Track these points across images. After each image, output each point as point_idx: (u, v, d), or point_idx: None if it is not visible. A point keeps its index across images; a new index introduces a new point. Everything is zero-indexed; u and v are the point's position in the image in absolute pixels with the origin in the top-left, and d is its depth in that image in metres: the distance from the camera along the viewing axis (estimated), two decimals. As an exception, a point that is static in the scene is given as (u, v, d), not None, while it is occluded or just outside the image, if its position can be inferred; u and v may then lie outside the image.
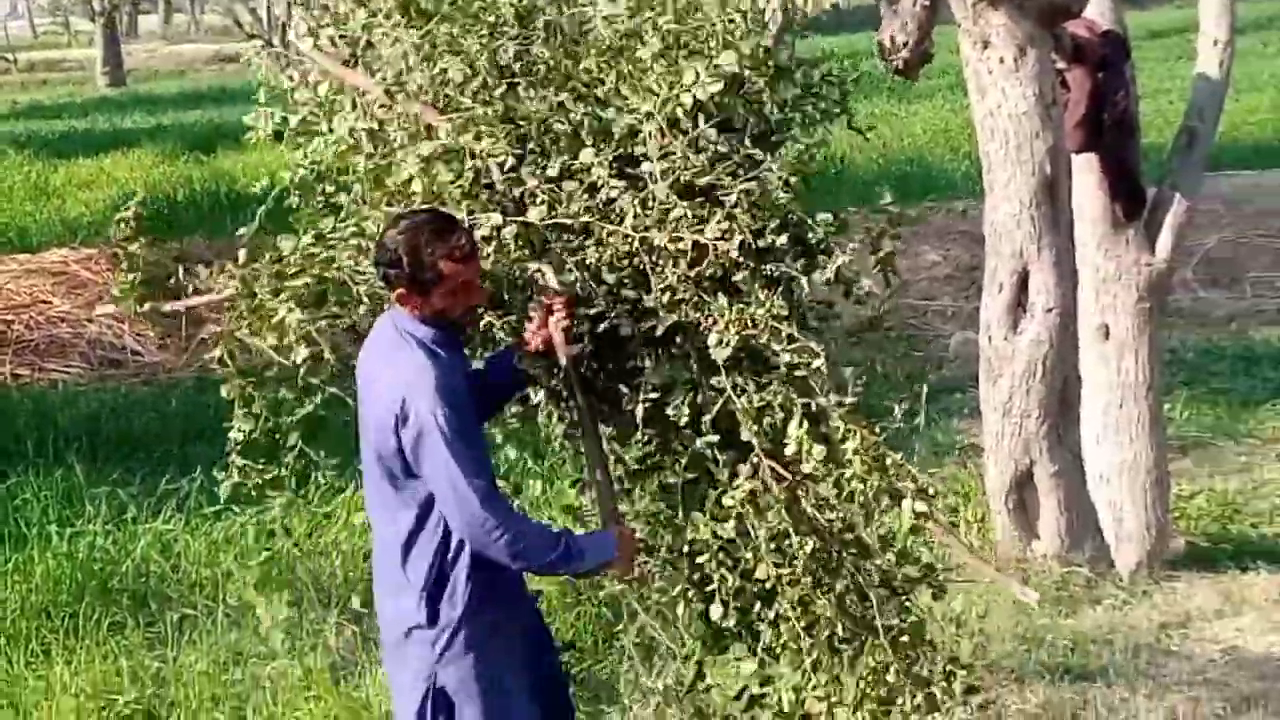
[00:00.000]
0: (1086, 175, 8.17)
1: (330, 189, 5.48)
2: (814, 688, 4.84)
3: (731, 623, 4.96)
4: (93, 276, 14.39)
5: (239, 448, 5.44)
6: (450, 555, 4.84)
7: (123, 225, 5.44)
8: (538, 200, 4.95)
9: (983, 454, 8.24)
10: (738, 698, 5.08)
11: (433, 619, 4.85)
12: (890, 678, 4.81)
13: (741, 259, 4.78)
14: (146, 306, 5.51)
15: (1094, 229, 8.21)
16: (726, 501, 4.83)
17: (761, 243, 4.82)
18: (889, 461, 4.71)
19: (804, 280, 4.93)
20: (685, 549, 5.02)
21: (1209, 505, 8.86)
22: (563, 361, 4.97)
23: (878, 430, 4.76)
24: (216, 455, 9.99)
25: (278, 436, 5.39)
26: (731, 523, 4.84)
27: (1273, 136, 20.45)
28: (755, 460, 4.81)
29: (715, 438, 4.85)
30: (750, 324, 4.76)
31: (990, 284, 7.78)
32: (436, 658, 4.86)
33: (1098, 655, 6.88)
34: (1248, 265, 14.30)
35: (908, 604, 4.90)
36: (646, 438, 5.09)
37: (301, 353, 5.16)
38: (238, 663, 7.34)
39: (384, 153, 5.26)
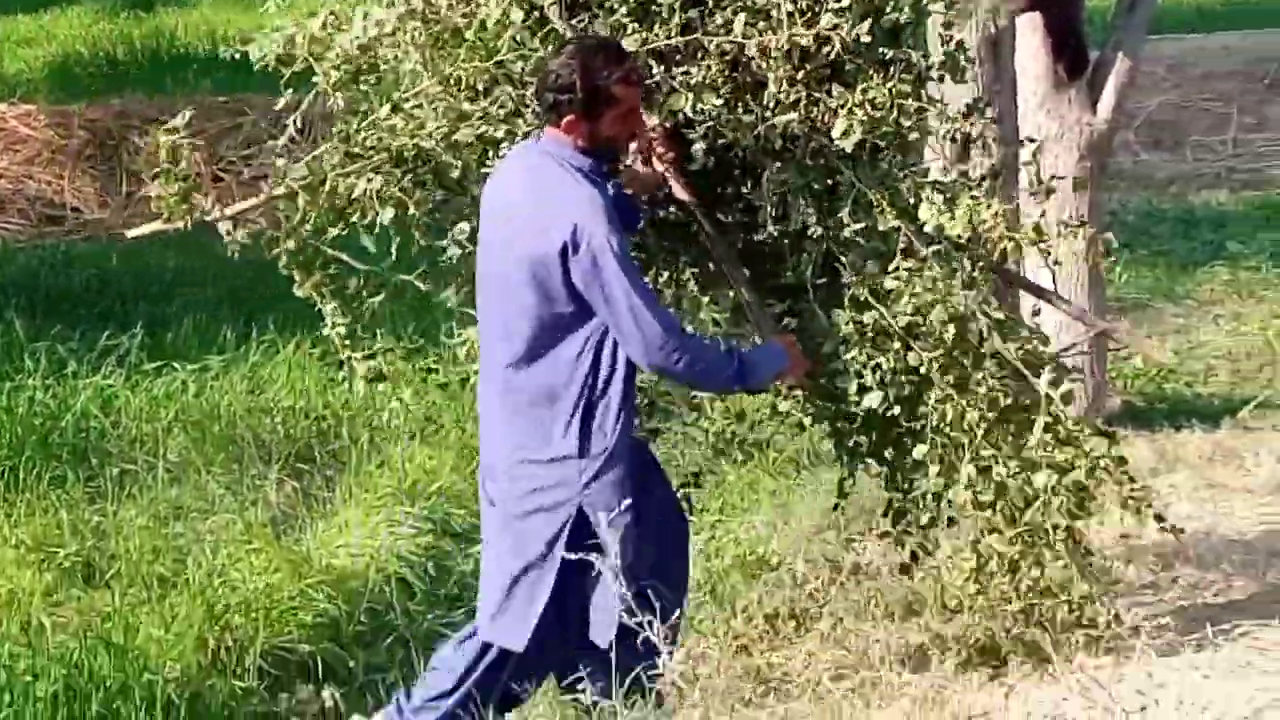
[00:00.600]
0: (1030, 35, 8.14)
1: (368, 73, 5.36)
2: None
3: (896, 410, 4.94)
4: (32, 133, 14.20)
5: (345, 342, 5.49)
6: (601, 385, 4.86)
7: (169, 138, 5.27)
8: (626, 30, 4.96)
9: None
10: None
11: (584, 449, 4.86)
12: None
13: (853, 46, 4.80)
14: (193, 216, 5.35)
15: (1036, 87, 8.19)
16: (889, 283, 4.84)
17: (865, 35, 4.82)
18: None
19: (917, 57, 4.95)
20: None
21: (1145, 365, 8.92)
22: (679, 194, 5.01)
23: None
24: (158, 312, 10.07)
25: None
26: (874, 312, 4.86)
27: (1216, 0, 20.39)
28: (903, 243, 4.86)
29: (860, 225, 4.88)
30: (873, 106, 4.79)
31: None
32: (584, 485, 4.87)
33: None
34: (1189, 129, 14.31)
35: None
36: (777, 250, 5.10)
37: (387, 213, 5.15)
38: (178, 517, 7.35)
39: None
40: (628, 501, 4.80)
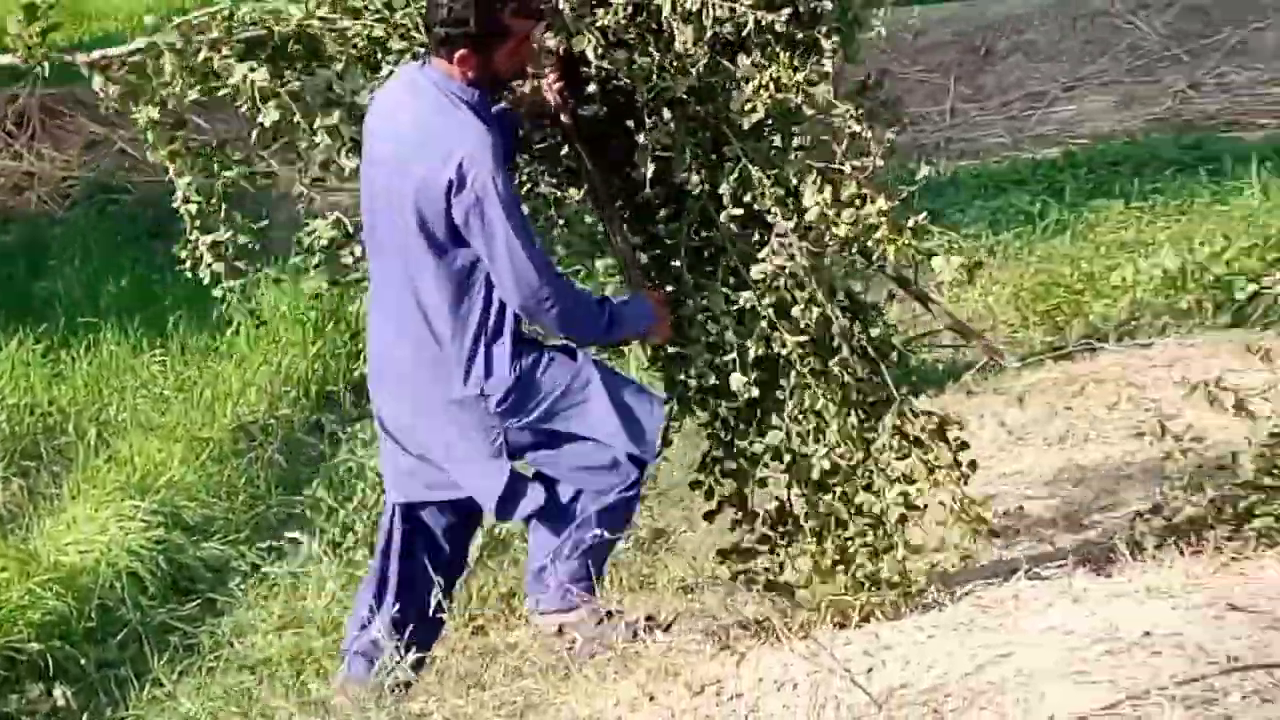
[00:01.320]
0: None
1: None
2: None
3: (756, 393, 4.94)
4: None
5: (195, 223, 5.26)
6: (494, 323, 4.85)
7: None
8: None
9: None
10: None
11: (482, 389, 4.86)
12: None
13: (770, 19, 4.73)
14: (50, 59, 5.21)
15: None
16: (754, 273, 4.82)
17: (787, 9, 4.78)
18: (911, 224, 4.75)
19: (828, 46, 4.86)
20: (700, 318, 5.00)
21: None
22: (565, 123, 4.99)
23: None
24: None
25: None
26: (749, 293, 4.85)
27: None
28: (781, 236, 4.81)
29: (739, 211, 4.84)
30: (777, 88, 4.74)
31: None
32: (498, 418, 4.88)
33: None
34: (905, 101, 14.57)
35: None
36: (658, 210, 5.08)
37: (271, 114, 5.00)
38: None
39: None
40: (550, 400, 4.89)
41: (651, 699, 4.49)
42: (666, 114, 4.87)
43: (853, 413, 4.94)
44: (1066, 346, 8.23)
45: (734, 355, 4.90)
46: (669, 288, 5.05)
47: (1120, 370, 7.75)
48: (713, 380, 4.98)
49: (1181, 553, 4.95)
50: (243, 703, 5.66)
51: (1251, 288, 8.62)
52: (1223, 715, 3.69)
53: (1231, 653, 3.96)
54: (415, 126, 4.82)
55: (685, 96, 4.84)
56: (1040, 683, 3.92)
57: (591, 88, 4.95)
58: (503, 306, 4.85)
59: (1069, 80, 14.53)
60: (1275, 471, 5.38)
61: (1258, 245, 9.21)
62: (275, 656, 6.37)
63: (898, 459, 4.92)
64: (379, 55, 5.09)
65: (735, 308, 4.91)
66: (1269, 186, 10.70)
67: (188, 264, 5.33)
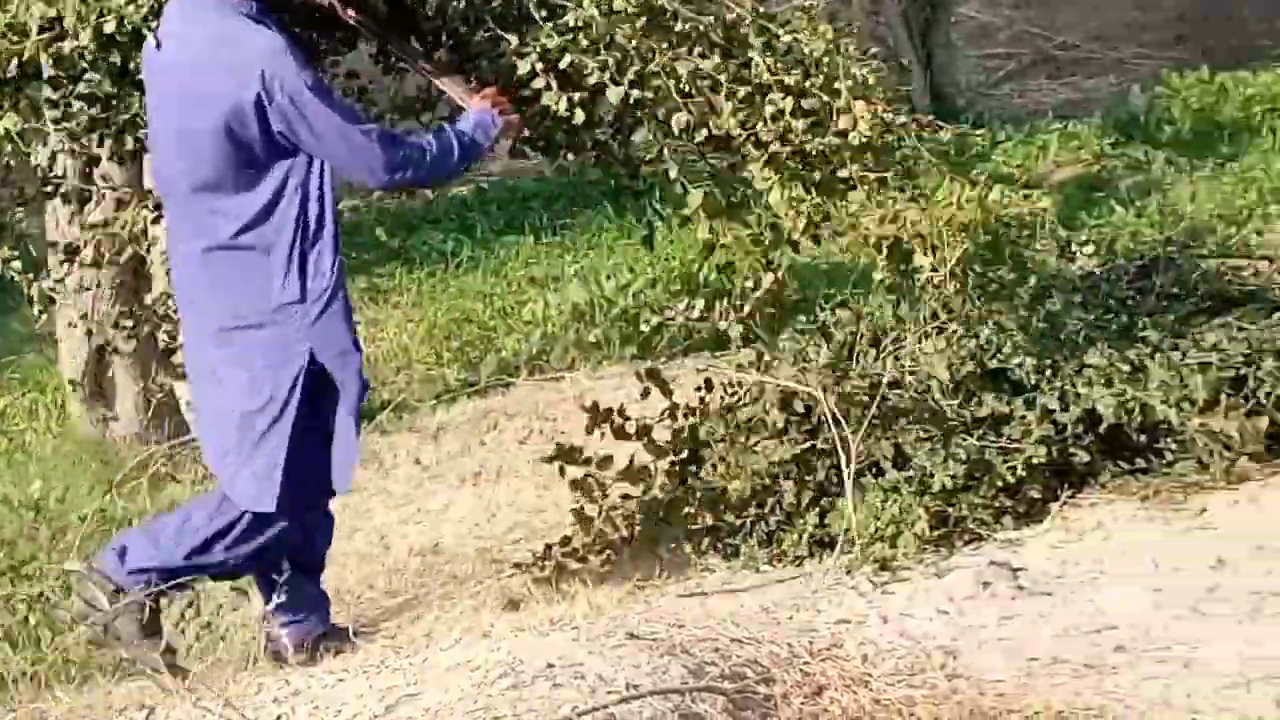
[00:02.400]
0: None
1: None
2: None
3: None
4: None
5: None
6: (314, 224, 4.76)
7: None
8: None
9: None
10: None
11: (304, 292, 4.77)
12: None
13: None
14: None
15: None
16: None
17: None
18: None
19: None
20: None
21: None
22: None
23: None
24: None
25: None
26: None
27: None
28: None
29: None
30: None
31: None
32: (310, 325, 4.79)
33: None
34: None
35: None
36: None
37: None
38: None
39: None
40: (356, 337, 4.84)
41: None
42: None
43: None
44: (480, 382, 8.38)
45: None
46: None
47: (533, 404, 7.93)
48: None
49: (586, 583, 5.10)
50: None
51: (655, 319, 8.96)
52: (621, 743, 3.82)
53: (631, 680, 4.08)
54: (205, 49, 4.78)
55: None
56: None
57: None
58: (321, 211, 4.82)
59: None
60: (680, 498, 5.63)
61: (660, 278, 9.58)
62: None
63: None
64: None
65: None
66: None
67: None
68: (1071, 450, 5.44)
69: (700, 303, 5.93)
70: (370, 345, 9.41)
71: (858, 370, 5.63)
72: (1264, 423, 5.31)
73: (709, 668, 4.21)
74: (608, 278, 9.71)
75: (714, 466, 5.64)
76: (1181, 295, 6.12)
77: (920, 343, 5.50)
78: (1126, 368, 5.37)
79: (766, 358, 5.76)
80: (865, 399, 5.49)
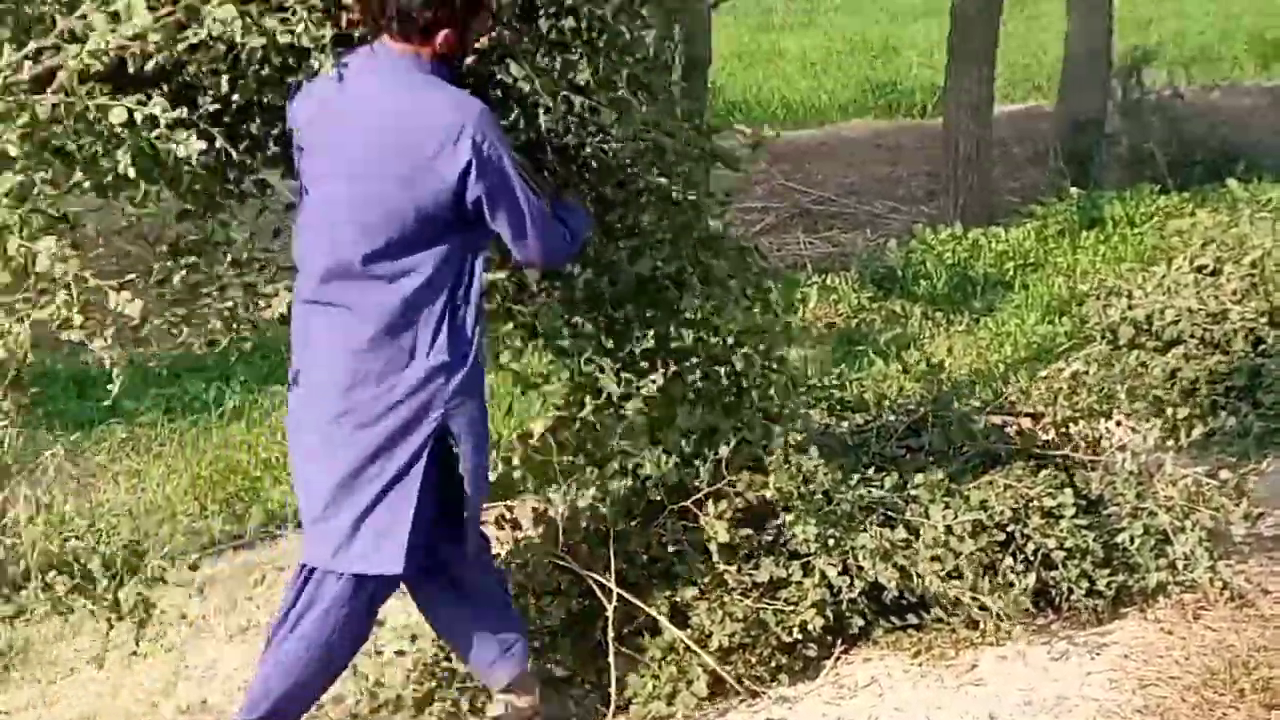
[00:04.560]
0: None
1: None
2: None
3: None
4: None
5: None
6: (463, 292, 4.68)
7: None
8: None
9: None
10: None
11: (451, 359, 4.66)
12: None
13: None
14: None
15: None
16: None
17: None
18: None
19: None
20: None
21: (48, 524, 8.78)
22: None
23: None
24: None
25: None
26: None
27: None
28: None
29: None
30: None
31: None
32: (448, 398, 4.68)
33: None
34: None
35: None
36: None
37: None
38: None
39: None
40: (484, 408, 4.83)
41: None
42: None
43: None
44: (246, 535, 8.27)
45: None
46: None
47: (297, 555, 7.83)
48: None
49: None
50: None
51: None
52: None
53: None
54: (405, 107, 4.59)
55: None
56: None
57: None
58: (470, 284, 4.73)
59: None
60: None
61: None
62: None
63: None
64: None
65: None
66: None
67: None
68: (847, 614, 5.53)
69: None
70: (133, 497, 9.23)
71: (637, 530, 5.67)
72: (1030, 586, 5.43)
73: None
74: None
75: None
76: (950, 453, 6.28)
77: (702, 507, 5.54)
78: (901, 538, 5.46)
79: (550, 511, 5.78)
80: (645, 558, 5.55)
